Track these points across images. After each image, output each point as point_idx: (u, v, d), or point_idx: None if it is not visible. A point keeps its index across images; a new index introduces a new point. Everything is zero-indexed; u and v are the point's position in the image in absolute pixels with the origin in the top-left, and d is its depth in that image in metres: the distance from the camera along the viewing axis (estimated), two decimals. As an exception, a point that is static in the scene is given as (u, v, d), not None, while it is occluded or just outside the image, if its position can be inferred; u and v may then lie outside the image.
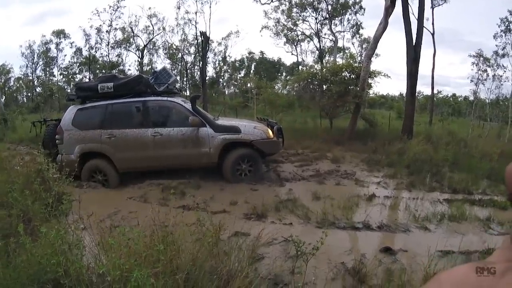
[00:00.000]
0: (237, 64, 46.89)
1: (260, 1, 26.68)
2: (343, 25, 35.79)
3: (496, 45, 27.77)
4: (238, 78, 46.73)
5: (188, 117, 7.64)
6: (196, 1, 30.83)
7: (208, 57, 37.53)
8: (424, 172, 8.65)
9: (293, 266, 3.81)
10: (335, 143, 12.82)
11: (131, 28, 36.03)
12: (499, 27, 27.16)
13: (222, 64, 43.50)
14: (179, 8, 33.07)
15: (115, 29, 35.27)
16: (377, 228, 5.46)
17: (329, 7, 33.07)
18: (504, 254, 0.78)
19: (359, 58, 31.96)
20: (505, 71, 27.94)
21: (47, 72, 41.26)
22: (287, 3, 32.89)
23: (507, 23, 26.77)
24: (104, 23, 34.36)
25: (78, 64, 39.59)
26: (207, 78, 37.67)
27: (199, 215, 3.94)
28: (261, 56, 48.07)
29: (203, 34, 25.47)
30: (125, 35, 36.46)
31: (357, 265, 3.99)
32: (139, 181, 7.68)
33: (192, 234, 3.56)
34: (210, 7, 30.15)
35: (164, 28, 36.23)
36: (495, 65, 28.75)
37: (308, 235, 4.45)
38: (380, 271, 4.01)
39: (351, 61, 25.71)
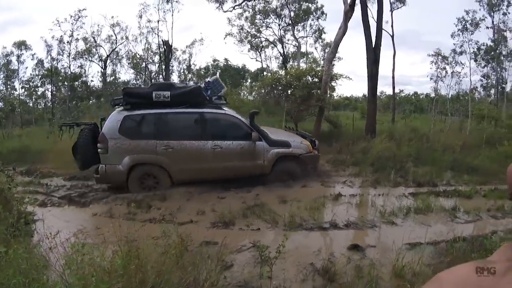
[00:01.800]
0: (202, 72, 46.80)
1: (222, 9, 26.72)
2: (306, 30, 36.44)
3: (454, 44, 29.10)
4: None
5: (245, 131, 7.88)
6: (158, 10, 30.51)
7: (173, 66, 37.16)
8: (388, 169, 8.99)
9: (260, 271, 3.83)
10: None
11: (94, 38, 35.11)
12: (456, 26, 28.61)
13: (187, 72, 43.29)
14: (140, 17, 32.59)
15: (77, 39, 34.22)
16: (344, 227, 5.61)
17: (292, 14, 33.65)
18: (504, 253, 0.83)
19: (322, 62, 32.79)
20: (463, 68, 29.41)
21: (8, 86, 39.49)
22: (251, 10, 33.25)
23: (463, 22, 28.19)
24: (65, 33, 33.28)
25: (40, 76, 38.13)
26: None
27: (165, 227, 3.91)
28: (225, 63, 48.19)
29: (165, 43, 25.26)
30: (87, 45, 35.52)
31: (326, 264, 4.08)
32: (105, 196, 7.50)
33: (157, 247, 3.54)
34: (172, 15, 29.89)
35: (127, 37, 35.42)
36: (453, 62, 30.07)
37: (276, 239, 4.50)
38: (349, 268, 4.12)
39: (314, 66, 26.29)
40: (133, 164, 7.45)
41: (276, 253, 3.71)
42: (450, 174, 9.34)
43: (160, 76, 35.23)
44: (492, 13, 27.02)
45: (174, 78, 40.06)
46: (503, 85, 31.08)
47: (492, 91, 31.92)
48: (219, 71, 47.22)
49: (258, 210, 6.24)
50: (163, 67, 30.56)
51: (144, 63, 37.81)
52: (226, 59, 47.95)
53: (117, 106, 8.01)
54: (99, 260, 3.01)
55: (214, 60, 47.49)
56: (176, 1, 28.77)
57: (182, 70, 41.92)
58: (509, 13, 26.63)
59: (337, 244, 4.94)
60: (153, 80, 37.39)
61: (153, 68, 38.31)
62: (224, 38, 37.50)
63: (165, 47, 25.26)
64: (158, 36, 31.82)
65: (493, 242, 4.38)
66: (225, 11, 26.61)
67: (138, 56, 37.25)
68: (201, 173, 7.68)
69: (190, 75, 43.66)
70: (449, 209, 6.51)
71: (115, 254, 3.19)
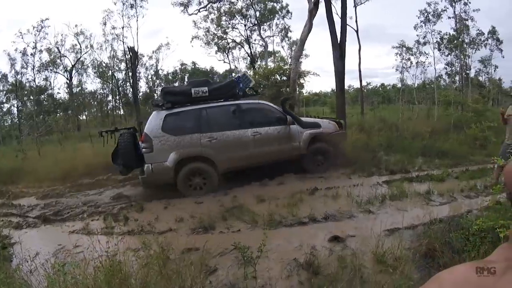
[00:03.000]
0: (170, 77, 46.25)
1: (187, 12, 26.53)
2: (272, 29, 36.73)
3: (417, 35, 30.60)
4: None
5: (280, 116, 8.62)
6: (123, 16, 29.91)
7: (140, 72, 36.70)
8: (361, 159, 9.20)
9: (244, 272, 3.87)
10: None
11: (58, 48, 34.07)
12: (418, 18, 29.92)
13: (154, 78, 42.73)
14: (105, 24, 31.90)
15: (41, 50, 33.07)
16: (323, 219, 5.75)
17: (257, 14, 33.88)
18: (503, 253, 0.88)
19: (289, 61, 33.05)
20: (427, 57, 31.10)
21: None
22: (216, 12, 33.16)
23: (426, 14, 29.48)
24: (28, 45, 32.11)
25: (4, 92, 36.70)
26: (140, 94, 36.55)
27: (144, 238, 3.89)
28: (193, 66, 47.84)
29: (131, 49, 24.76)
30: (52, 56, 34.43)
31: (308, 258, 4.16)
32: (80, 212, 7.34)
33: (138, 259, 3.53)
34: (137, 21, 29.36)
35: (92, 46, 34.63)
36: (417, 53, 31.73)
37: (258, 238, 4.53)
38: (332, 260, 4.22)
39: (282, 64, 26.62)
40: (180, 158, 7.78)
41: (258, 253, 3.76)
42: (421, 160, 9.67)
43: (128, 84, 34.66)
44: (453, 4, 28.15)
45: (142, 85, 39.68)
46: (467, 71, 32.41)
47: (457, 77, 33.18)
48: (187, 74, 46.98)
49: (237, 212, 6.30)
50: (130, 74, 30.03)
51: (110, 71, 37.22)
52: (193, 63, 47.71)
53: (157, 107, 8.48)
54: (82, 278, 2.98)
55: (182, 64, 47.15)
56: (141, 7, 28.35)
57: (149, 76, 41.50)
58: (470, 2, 27.86)
59: (318, 237, 5.02)
60: (120, 89, 36.83)
61: (120, 76, 37.83)
62: (191, 41, 37.22)
63: (130, 53, 24.78)
64: (123, 42, 31.37)
65: (469, 220, 4.54)
66: (190, 14, 26.53)
67: (104, 65, 36.67)
68: (245, 160, 8.23)
69: (158, 81, 43.23)
70: (424, 193, 6.77)
71: (97, 270, 3.17)
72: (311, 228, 5.50)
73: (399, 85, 36.63)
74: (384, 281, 3.52)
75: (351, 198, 6.63)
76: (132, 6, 28.62)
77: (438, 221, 4.92)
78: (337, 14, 16.62)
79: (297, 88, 15.69)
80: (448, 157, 10.23)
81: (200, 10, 26.22)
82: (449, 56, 30.85)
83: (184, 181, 7.82)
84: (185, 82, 43.64)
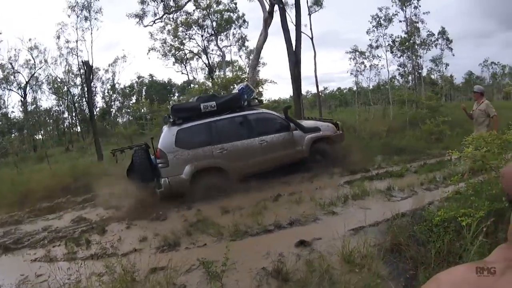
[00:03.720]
0: (127, 91, 45.26)
1: (143, 23, 26.03)
2: (229, 39, 36.67)
3: (370, 39, 32.27)
4: (130, 105, 45.17)
5: (283, 124, 9.20)
6: (77, 29, 28.86)
7: (96, 87, 35.78)
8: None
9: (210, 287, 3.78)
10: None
11: (11, 63, 32.56)
12: (371, 23, 31.47)
13: (111, 92, 41.66)
14: (59, 37, 30.64)
15: None
16: (288, 225, 5.73)
17: (214, 24, 33.84)
18: (502, 253, 0.87)
19: (247, 69, 33.38)
20: (380, 60, 32.84)
21: None
22: (173, 23, 32.82)
23: (377, 19, 31.06)
24: None
25: None
26: (97, 109, 35.76)
27: (108, 261, 3.74)
28: (150, 79, 47.13)
29: (85, 63, 23.96)
30: (5, 73, 32.88)
31: (277, 266, 4.11)
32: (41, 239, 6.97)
33: (103, 285, 3.38)
34: (91, 34, 28.37)
35: (46, 61, 33.12)
36: (370, 56, 33.36)
37: (224, 251, 4.44)
38: (300, 265, 4.19)
39: (240, 73, 26.78)
40: (195, 170, 8.21)
41: (223, 266, 3.73)
42: (380, 158, 9.90)
43: (84, 100, 33.60)
44: (404, 8, 29.62)
45: (99, 100, 38.67)
46: (420, 71, 34.19)
47: (410, 77, 34.84)
48: (145, 87, 46.22)
49: (202, 225, 6.18)
50: (85, 89, 29.15)
51: (65, 87, 36.04)
52: (151, 75, 47.06)
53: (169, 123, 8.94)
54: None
55: (139, 77, 46.37)
56: (95, 19, 27.53)
57: (106, 91, 40.51)
58: (420, 6, 29.50)
59: (285, 244, 4.95)
60: (76, 105, 35.73)
61: (76, 91, 36.65)
62: (148, 53, 36.74)
63: (85, 67, 24.04)
64: (77, 56, 30.37)
65: (431, 212, 4.62)
66: (145, 26, 26.05)
67: (59, 80, 35.43)
68: (255, 166, 8.65)
69: (115, 95, 42.27)
70: (385, 190, 6.93)
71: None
72: (277, 235, 5.47)
73: (355, 88, 38.36)
74: (353, 281, 3.53)
75: (314, 201, 6.68)
76: (86, 19, 27.72)
77: (401, 216, 4.99)
78: (292, 22, 17.23)
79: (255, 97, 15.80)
80: (406, 153, 10.60)
81: (156, 21, 25.77)
82: (402, 57, 32.53)
83: (200, 191, 8.10)
84: (143, 96, 43.69)
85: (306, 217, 5.95)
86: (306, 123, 10.04)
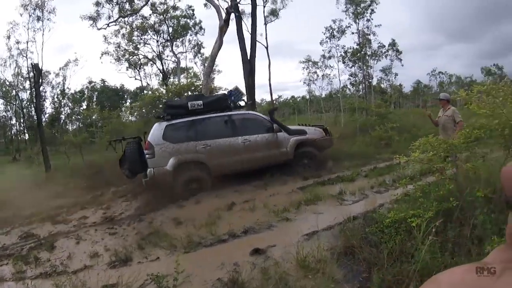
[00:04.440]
0: (77, 96, 43.22)
1: (96, 26, 24.98)
2: (185, 46, 36.09)
3: (323, 50, 33.80)
4: (80, 111, 42.85)
5: (268, 125, 9.58)
6: (28, 29, 27.14)
7: (45, 91, 33.84)
8: (264, 169, 9.34)
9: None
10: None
11: None
12: (324, 34, 32.85)
13: (61, 97, 39.60)
14: (9, 37, 28.75)
15: None
16: (242, 234, 5.67)
17: (170, 29, 33.23)
18: (500, 255, 0.84)
19: (202, 77, 33.15)
20: (332, 70, 34.62)
21: None
22: (128, 27, 31.88)
23: (331, 30, 32.56)
24: None
25: None
26: (45, 115, 34.03)
27: (57, 280, 3.52)
28: (102, 84, 45.27)
29: (34, 66, 22.58)
30: None
31: (232, 276, 4.05)
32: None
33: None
34: (43, 35, 26.71)
35: None
36: (323, 66, 35.17)
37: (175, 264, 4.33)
38: (255, 273, 4.15)
39: (194, 80, 26.61)
40: (178, 163, 8.76)
41: (174, 281, 3.67)
42: (331, 163, 10.08)
43: (32, 105, 31.81)
44: (357, 20, 30.85)
45: (47, 105, 36.77)
46: (370, 80, 35.66)
47: (361, 86, 36.17)
48: (96, 93, 44.52)
49: (154, 238, 5.99)
50: (34, 93, 27.59)
51: (14, 91, 34.06)
52: (103, 80, 45.18)
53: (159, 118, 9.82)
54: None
55: (90, 82, 44.37)
56: (48, 19, 26.13)
57: (55, 96, 38.60)
58: (372, 19, 30.85)
59: (239, 253, 4.90)
60: (24, 110, 33.87)
61: (25, 95, 34.64)
62: (100, 58, 35.45)
63: (34, 70, 22.69)
64: (27, 58, 28.74)
65: (381, 214, 4.78)
66: (99, 29, 25.11)
67: (8, 83, 33.43)
68: (236, 165, 9.11)
69: (64, 101, 40.37)
70: (336, 194, 7.09)
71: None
72: (232, 244, 5.40)
73: (308, 96, 39.55)
74: (308, 286, 3.55)
75: (268, 208, 6.68)
76: (39, 19, 26.31)
77: (352, 219, 5.10)
78: (247, 31, 17.45)
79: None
80: (356, 158, 10.93)
81: (110, 24, 24.79)
82: (353, 67, 34.02)
83: (182, 183, 8.67)
84: (94, 102, 43.01)
85: (260, 224, 5.92)
86: (294, 126, 10.58)
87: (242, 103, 10.73)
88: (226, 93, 10.65)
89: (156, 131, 9.03)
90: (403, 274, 3.30)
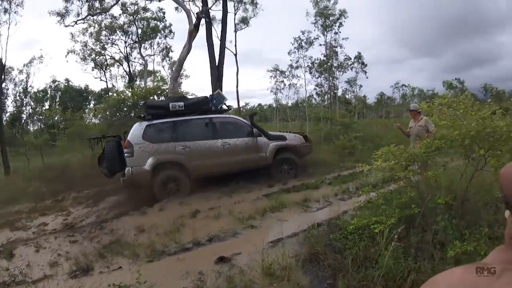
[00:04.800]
0: (40, 95, 41.30)
1: (64, 23, 23.89)
2: (153, 48, 35.46)
3: (291, 60, 34.26)
4: (43, 111, 40.67)
5: (248, 129, 9.73)
6: None
7: (8, 89, 32.06)
8: (238, 176, 9.38)
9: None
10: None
11: None
12: (293, 44, 33.40)
13: (23, 96, 37.73)
14: None
15: None
16: (207, 242, 5.60)
17: (139, 31, 32.54)
18: (499, 256, 0.85)
19: (169, 81, 32.69)
20: (299, 80, 35.32)
21: None
22: (96, 26, 30.91)
23: (299, 41, 33.12)
24: None
25: None
26: (7, 114, 32.42)
27: None
28: (66, 84, 43.41)
29: None
30: None
31: (197, 285, 4.02)
32: None
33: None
34: (8, 28, 25.17)
35: None
36: (290, 76, 35.73)
37: (140, 273, 4.22)
38: (220, 282, 4.11)
39: (161, 84, 26.23)
40: (157, 163, 8.79)
41: None
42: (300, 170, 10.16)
43: None
44: (325, 33, 31.63)
45: (8, 103, 35.04)
46: (335, 91, 36.73)
47: (326, 96, 37.23)
48: (60, 92, 42.80)
49: (116, 247, 5.80)
50: None
51: None
52: (67, 80, 43.23)
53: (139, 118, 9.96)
54: None
55: (54, 81, 42.49)
56: (15, 12, 24.78)
57: (18, 93, 36.83)
58: (340, 32, 31.81)
59: (204, 261, 4.83)
60: None
61: None
62: (66, 56, 34.12)
63: None
64: None
65: (345, 221, 4.88)
66: (66, 26, 24.04)
67: None
68: (215, 167, 9.21)
69: (27, 99, 38.59)
70: (301, 201, 7.17)
71: None
72: (196, 252, 5.32)
73: (274, 105, 40.18)
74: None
75: (233, 215, 6.66)
76: (6, 11, 24.96)
77: (317, 226, 5.18)
78: (217, 37, 17.47)
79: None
80: (320, 166, 11.09)
81: (78, 22, 23.83)
82: (319, 78, 34.91)
83: (160, 184, 8.74)
84: (57, 102, 41.32)
85: (225, 232, 5.87)
86: (274, 132, 10.67)
87: (224, 107, 10.82)
88: (208, 96, 10.70)
89: (136, 130, 9.08)
90: (367, 280, 3.37)
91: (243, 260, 4.63)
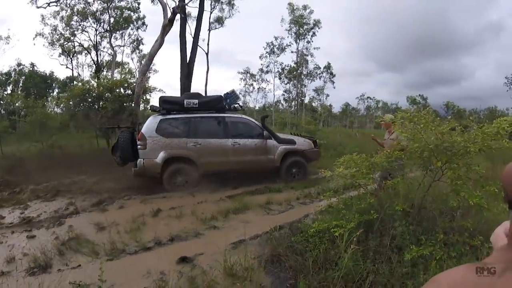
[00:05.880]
0: (3, 78, 39.16)
1: (36, 4, 22.74)
2: (124, 39, 34.90)
3: (261, 64, 34.85)
4: (4, 95, 38.75)
5: (258, 131, 9.94)
6: None
7: None
8: (203, 177, 9.34)
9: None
10: (113, 164, 12.32)
11: None
12: (265, 49, 33.51)
13: None
14: None
15: None
16: (169, 242, 5.58)
17: (112, 20, 31.78)
18: (501, 255, 0.87)
19: (137, 74, 32.02)
20: (268, 84, 35.26)
21: None
22: (69, 10, 29.83)
23: (272, 46, 33.25)
24: None
25: None
26: None
27: None
28: (31, 69, 41.33)
29: None
30: None
31: (158, 285, 3.99)
32: None
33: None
34: None
35: None
36: (260, 80, 35.60)
37: (100, 272, 4.17)
38: (182, 282, 4.13)
39: (129, 77, 25.71)
40: (168, 157, 9.08)
41: None
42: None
43: None
44: (298, 41, 32.08)
45: None
46: (303, 98, 37.36)
47: (293, 103, 37.78)
48: (23, 77, 40.89)
49: (75, 244, 5.62)
50: None
51: None
52: (32, 64, 41.20)
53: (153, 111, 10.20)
54: None
55: (19, 64, 40.38)
56: None
57: None
58: (312, 41, 32.30)
59: (166, 261, 4.82)
60: None
61: None
62: (34, 38, 32.75)
63: None
64: None
65: (306, 224, 5.05)
66: (38, 7, 22.96)
67: None
68: (224, 165, 9.46)
69: None
70: (264, 204, 7.35)
71: None
72: (158, 252, 5.28)
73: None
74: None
75: (195, 216, 6.67)
76: None
77: (279, 228, 5.31)
78: (190, 34, 17.37)
79: (142, 104, 15.39)
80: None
81: (50, 4, 22.87)
82: (288, 84, 35.43)
83: (169, 177, 9.06)
84: (19, 87, 39.52)
85: (187, 232, 5.88)
86: (284, 135, 11.11)
87: (237, 107, 10.99)
88: (223, 95, 10.84)
89: (150, 124, 9.38)
90: (327, 280, 3.49)
91: (205, 261, 4.66)
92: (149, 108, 10.69)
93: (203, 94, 11.16)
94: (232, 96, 11.01)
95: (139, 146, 9.10)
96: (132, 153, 9.27)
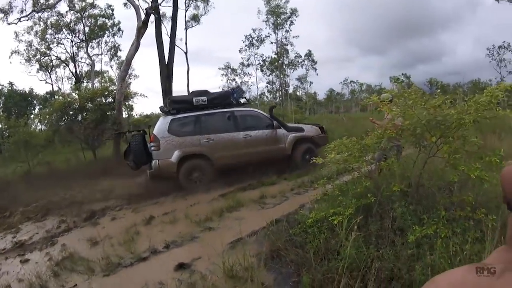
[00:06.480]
0: None
1: (7, 20, 22.11)
2: (101, 47, 34.66)
3: (242, 58, 34.84)
4: None
5: (267, 122, 10.20)
6: None
7: None
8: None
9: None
10: (102, 175, 12.15)
11: None
12: (244, 42, 33.48)
13: None
14: None
15: None
16: (164, 249, 5.43)
17: (87, 29, 31.47)
18: (500, 256, 0.83)
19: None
20: (250, 78, 35.51)
21: None
22: (42, 24, 29.30)
23: (250, 39, 33.20)
24: None
25: None
26: None
27: None
28: (9, 88, 40.65)
29: None
30: None
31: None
32: None
33: None
34: None
35: None
36: (242, 74, 35.78)
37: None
38: (183, 289, 3.96)
39: (109, 85, 25.42)
40: (183, 155, 9.25)
41: None
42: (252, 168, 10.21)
43: None
44: (276, 31, 32.11)
45: None
46: (286, 88, 37.47)
47: (278, 94, 37.79)
48: (3, 98, 40.13)
49: (69, 263, 5.43)
50: None
51: None
52: (10, 83, 40.66)
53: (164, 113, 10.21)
54: None
55: None
56: None
57: None
58: (291, 30, 32.37)
59: (163, 270, 4.69)
60: None
61: None
62: (10, 57, 32.33)
63: None
64: None
65: (303, 215, 4.93)
66: (9, 23, 22.48)
67: None
68: (237, 158, 9.63)
69: None
70: (258, 199, 7.29)
71: None
72: (154, 261, 5.12)
73: None
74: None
75: (189, 219, 6.52)
76: None
77: (275, 222, 5.18)
78: (167, 34, 17.15)
79: (124, 111, 15.16)
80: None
81: (22, 19, 22.27)
82: (271, 76, 35.45)
83: (185, 175, 9.20)
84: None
85: (183, 237, 5.73)
86: (292, 124, 11.43)
87: (243, 101, 11.22)
88: (230, 90, 11.28)
89: (162, 124, 9.55)
90: (332, 272, 3.37)
91: (203, 265, 4.53)
92: (160, 110, 10.99)
93: (210, 92, 11.07)
94: (238, 91, 11.29)
95: (152, 148, 9.27)
96: (145, 156, 9.43)
